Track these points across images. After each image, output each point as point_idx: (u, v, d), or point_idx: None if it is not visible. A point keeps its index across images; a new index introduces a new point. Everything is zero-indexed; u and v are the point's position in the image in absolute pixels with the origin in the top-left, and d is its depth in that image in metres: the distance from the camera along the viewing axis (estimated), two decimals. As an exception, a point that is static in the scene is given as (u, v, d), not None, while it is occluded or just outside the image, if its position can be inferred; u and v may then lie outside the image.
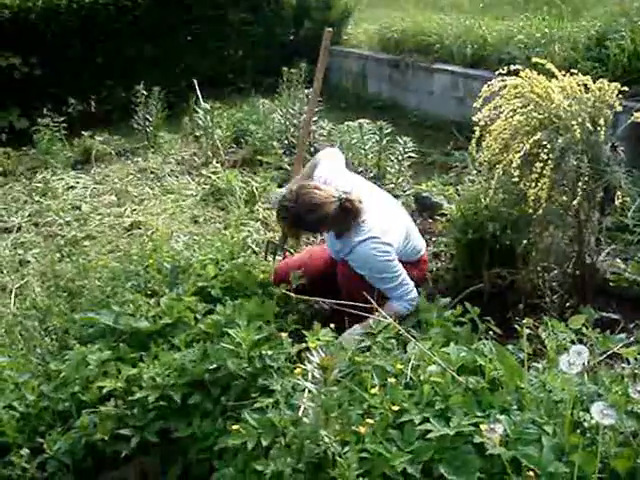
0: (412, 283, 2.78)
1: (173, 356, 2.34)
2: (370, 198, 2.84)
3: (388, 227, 2.76)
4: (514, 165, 2.52)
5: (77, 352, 2.44)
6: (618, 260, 3.51)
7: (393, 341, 2.16)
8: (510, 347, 2.48)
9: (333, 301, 2.67)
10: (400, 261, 2.79)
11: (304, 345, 2.08)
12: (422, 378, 1.89)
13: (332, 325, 2.19)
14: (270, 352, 2.09)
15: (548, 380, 1.78)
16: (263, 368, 2.09)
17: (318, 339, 2.11)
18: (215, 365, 2.22)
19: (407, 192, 4.31)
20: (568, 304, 3.13)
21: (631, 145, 3.97)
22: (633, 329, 3.02)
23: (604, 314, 3.03)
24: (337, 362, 1.67)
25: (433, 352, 1.98)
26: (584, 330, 2.27)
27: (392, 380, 1.86)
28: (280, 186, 4.53)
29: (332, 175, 2.92)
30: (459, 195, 4.17)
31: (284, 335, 2.13)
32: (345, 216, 2.69)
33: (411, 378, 1.90)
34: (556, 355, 2.02)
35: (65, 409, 2.29)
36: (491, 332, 2.48)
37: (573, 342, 2.13)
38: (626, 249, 3.69)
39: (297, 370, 1.89)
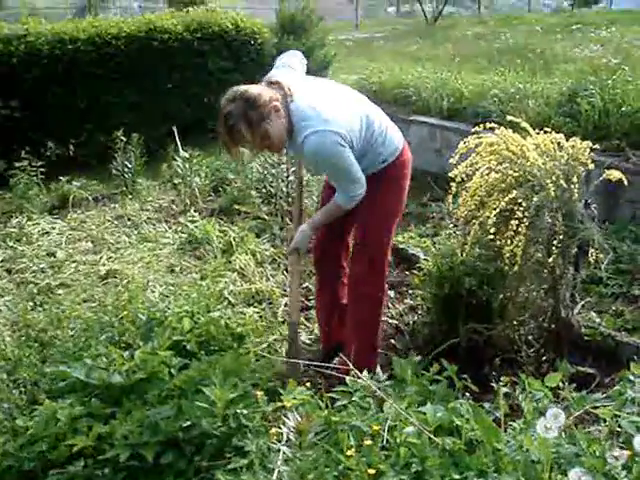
0: (362, 179, 2.73)
1: (146, 413, 2.29)
2: (314, 90, 2.77)
3: (332, 117, 2.60)
4: (490, 222, 2.56)
5: (46, 408, 2.38)
6: (593, 313, 3.56)
7: (369, 400, 2.14)
8: (487, 405, 2.48)
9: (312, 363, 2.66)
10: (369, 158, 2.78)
11: (279, 404, 2.05)
12: (399, 440, 1.86)
13: (307, 384, 2.16)
14: (245, 411, 2.06)
15: (525, 442, 1.76)
16: (238, 428, 2.06)
17: (294, 398, 2.08)
18: (189, 423, 2.18)
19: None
20: (544, 358, 3.14)
21: (602, 199, 4.07)
22: (608, 384, 3.04)
23: (580, 368, 3.05)
24: (313, 425, 1.64)
25: (409, 413, 1.96)
26: (560, 389, 2.28)
27: (368, 442, 1.83)
28: (258, 236, 4.54)
29: (274, 71, 2.92)
30: (435, 247, 4.22)
31: (259, 393, 2.10)
32: (285, 103, 2.62)
33: (387, 440, 1.88)
34: (533, 415, 2.01)
35: (31, 469, 2.21)
36: (467, 390, 2.48)
37: (550, 401, 2.13)
38: (600, 301, 3.74)
39: (272, 431, 1.86)
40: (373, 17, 39.12)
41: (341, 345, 3.15)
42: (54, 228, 5.12)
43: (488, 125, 2.94)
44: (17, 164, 5.68)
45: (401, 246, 4.36)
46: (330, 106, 2.66)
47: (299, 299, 2.97)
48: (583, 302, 3.54)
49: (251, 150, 2.72)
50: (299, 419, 1.72)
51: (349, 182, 2.72)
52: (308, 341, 3.45)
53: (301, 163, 3.13)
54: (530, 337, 3.19)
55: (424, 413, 2.05)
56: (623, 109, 4.98)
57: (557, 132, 2.97)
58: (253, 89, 2.58)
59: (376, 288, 2.93)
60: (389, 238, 3.00)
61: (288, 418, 1.72)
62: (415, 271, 3.69)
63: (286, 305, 3.69)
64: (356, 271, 2.93)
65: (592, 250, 2.76)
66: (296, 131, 2.63)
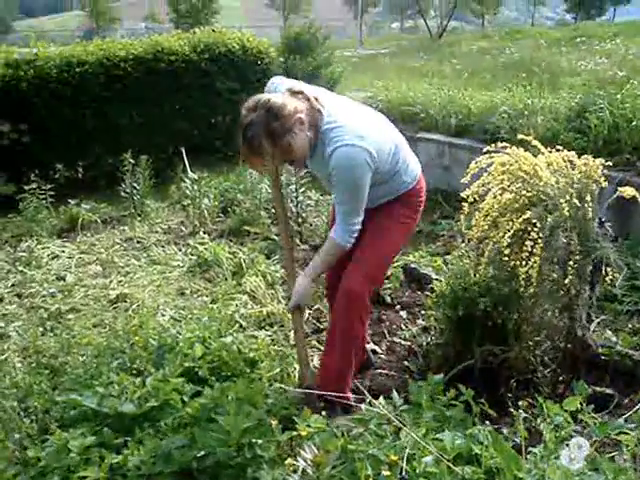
0: (362, 214, 2.59)
1: (159, 442, 2.26)
2: (342, 104, 2.64)
3: (367, 134, 2.48)
4: (504, 244, 2.53)
5: (58, 438, 2.35)
6: (609, 332, 3.51)
7: (386, 427, 2.10)
8: (505, 431, 2.44)
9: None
10: (392, 184, 2.71)
11: (295, 433, 2.02)
12: (417, 470, 1.82)
13: (323, 412, 2.13)
14: (260, 441, 2.02)
15: (549, 473, 1.72)
16: (253, 458, 2.02)
17: (309, 426, 2.05)
18: (203, 452, 2.14)
19: (395, 263, 4.29)
20: (561, 378, 3.10)
21: (615, 214, 4.03)
22: (628, 405, 2.99)
23: (598, 389, 3.00)
24: (330, 458, 1.61)
25: (427, 441, 1.92)
26: (580, 414, 2.24)
27: (387, 473, 1.80)
28: (268, 257, 4.51)
29: (284, 80, 2.82)
30: (447, 265, 4.19)
31: (274, 422, 2.07)
32: (311, 113, 2.49)
33: (406, 470, 1.84)
34: (553, 441, 1.96)
35: (43, 502, 2.19)
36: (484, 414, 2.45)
37: (570, 426, 2.08)
38: (616, 319, 3.69)
39: (288, 461, 1.82)
40: (377, 33, 39.41)
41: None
42: (63, 251, 5.12)
43: (499, 145, 2.91)
44: (26, 187, 5.70)
45: (412, 265, 4.32)
46: (364, 123, 2.55)
47: (307, 360, 2.84)
48: (598, 320, 3.50)
49: (270, 163, 2.53)
50: (316, 451, 1.68)
51: (354, 209, 2.58)
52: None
53: (281, 198, 2.87)
54: (546, 358, 3.14)
55: (442, 440, 2.02)
56: (633, 123, 4.95)
57: (567, 148, 2.94)
58: (277, 98, 2.44)
59: (362, 304, 2.77)
60: (391, 260, 2.99)
61: (305, 450, 1.68)
62: (427, 291, 3.66)
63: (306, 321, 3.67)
64: (348, 284, 2.74)
65: (608, 269, 2.71)
66: (324, 143, 2.49)
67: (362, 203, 2.58)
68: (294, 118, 2.42)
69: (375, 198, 2.75)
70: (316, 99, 2.54)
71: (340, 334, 2.78)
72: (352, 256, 2.77)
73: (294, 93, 2.53)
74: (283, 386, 2.53)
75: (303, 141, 2.47)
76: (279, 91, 2.65)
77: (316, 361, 3.29)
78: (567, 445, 1.57)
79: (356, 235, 2.62)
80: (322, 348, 3.48)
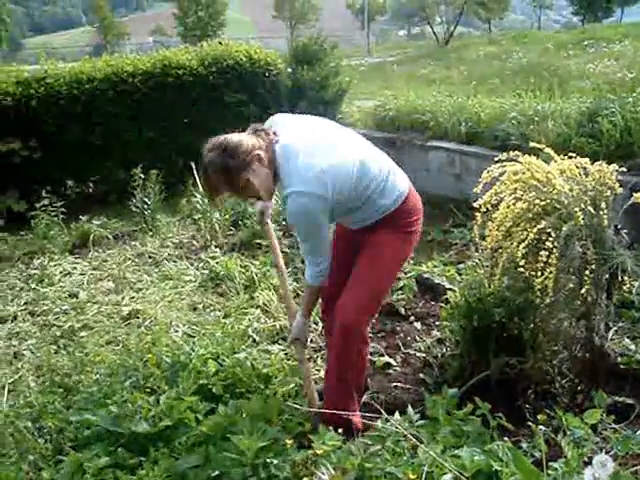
0: (325, 257, 2.61)
1: (173, 462, 2.25)
2: (304, 133, 2.59)
3: (316, 174, 2.42)
4: (519, 254, 2.49)
5: (72, 459, 2.34)
6: (627, 340, 3.45)
7: (403, 444, 2.07)
8: (524, 446, 2.40)
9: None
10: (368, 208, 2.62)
11: (310, 452, 1.99)
12: (436, 489, 1.79)
13: (340, 430, 2.10)
14: (275, 461, 2.00)
15: (571, 492, 1.68)
16: (268, 478, 2.00)
17: (324, 443, 2.03)
18: (217, 472, 2.12)
19: (408, 274, 4.26)
20: (579, 388, 3.05)
21: (629, 220, 3.98)
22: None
23: (617, 399, 2.95)
24: (348, 478, 1.58)
25: (446, 458, 1.89)
26: (600, 425, 2.21)
27: (405, 492, 1.77)
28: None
29: (282, 117, 2.78)
30: (460, 275, 4.15)
31: (289, 442, 2.04)
32: (265, 147, 2.49)
33: (425, 488, 1.81)
34: (575, 458, 1.93)
35: (58, 525, 2.17)
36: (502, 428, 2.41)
37: (592, 441, 2.04)
38: (633, 327, 3.64)
39: (304, 480, 1.80)
40: (384, 41, 39.50)
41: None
42: (75, 268, 5.13)
43: (511, 153, 2.88)
44: (38, 204, 5.73)
45: (425, 275, 4.29)
46: (316, 160, 2.45)
47: (314, 394, 2.78)
48: (616, 328, 3.44)
49: (237, 199, 2.64)
50: (332, 472, 1.65)
51: (315, 249, 2.59)
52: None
53: (278, 251, 3.11)
54: (564, 367, 3.09)
55: (459, 456, 1.99)
56: (646, 127, 4.90)
57: (578, 153, 2.91)
58: (233, 138, 2.49)
59: (359, 337, 2.72)
60: (386, 288, 2.90)
61: (322, 472, 1.66)
62: (441, 302, 3.62)
63: (311, 341, 3.64)
64: (342, 318, 2.67)
65: (626, 278, 2.67)
66: (281, 179, 2.50)
67: (323, 243, 2.60)
68: (251, 155, 2.44)
69: (357, 221, 2.72)
70: (274, 134, 2.55)
71: (338, 369, 2.72)
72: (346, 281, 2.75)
73: (256, 131, 2.56)
74: (296, 405, 2.49)
75: (263, 177, 2.49)
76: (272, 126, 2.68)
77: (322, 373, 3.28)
78: (590, 462, 1.53)
79: (324, 274, 2.65)
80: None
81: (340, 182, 2.48)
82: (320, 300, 2.98)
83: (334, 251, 2.72)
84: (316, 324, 3.79)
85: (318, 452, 1.96)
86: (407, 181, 2.75)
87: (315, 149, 2.51)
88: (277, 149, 2.51)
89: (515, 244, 2.60)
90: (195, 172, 6.06)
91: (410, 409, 2.39)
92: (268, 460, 2.03)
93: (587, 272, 2.52)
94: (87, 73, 7.05)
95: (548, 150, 2.90)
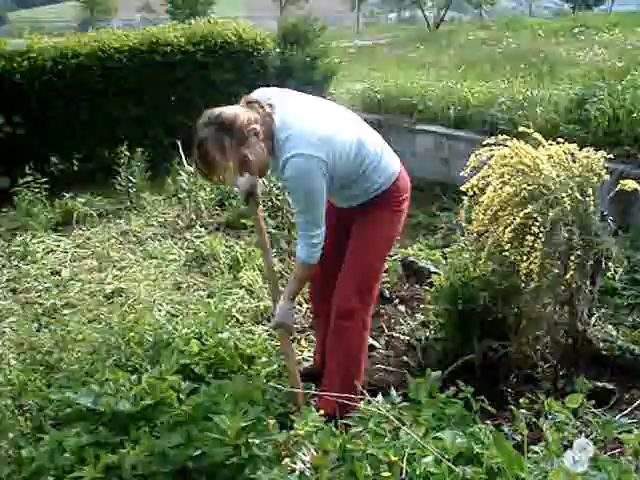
0: (322, 227, 2.51)
1: (155, 441, 2.23)
2: (302, 106, 2.55)
3: (320, 140, 2.39)
4: (505, 239, 2.49)
5: (52, 437, 2.32)
6: (609, 326, 3.48)
7: (385, 426, 2.07)
8: (506, 429, 2.41)
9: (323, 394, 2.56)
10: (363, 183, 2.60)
11: (292, 433, 1.98)
12: (418, 471, 1.79)
13: (321, 411, 2.09)
14: (257, 441, 1.99)
15: (551, 477, 1.69)
16: (250, 458, 1.99)
17: (307, 424, 2.02)
18: (199, 452, 2.11)
19: (393, 257, 4.26)
20: (561, 373, 3.07)
21: (614, 207, 4.00)
22: (628, 400, 2.97)
23: (598, 384, 2.98)
24: (329, 460, 1.58)
25: (427, 441, 1.89)
26: (582, 409, 2.22)
27: (386, 474, 1.76)
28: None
29: (264, 90, 2.70)
30: (445, 258, 4.15)
31: (271, 422, 2.03)
32: (266, 122, 2.43)
33: (406, 471, 1.81)
34: (555, 441, 1.93)
35: (37, 503, 2.15)
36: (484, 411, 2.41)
37: (573, 426, 2.06)
38: (616, 313, 3.67)
39: (285, 461, 1.79)
40: (374, 23, 39.24)
41: None
42: (59, 246, 5.07)
43: (499, 137, 2.87)
44: (21, 180, 5.65)
45: (411, 258, 4.29)
46: (318, 127, 2.44)
47: (299, 380, 2.72)
48: (599, 314, 3.47)
49: (229, 175, 2.46)
50: (314, 453, 1.64)
51: (311, 220, 2.50)
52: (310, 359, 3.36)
53: (269, 251, 2.93)
54: (546, 352, 3.12)
55: (442, 439, 1.99)
56: (634, 115, 4.91)
57: (566, 139, 2.91)
58: (228, 111, 2.39)
59: (360, 322, 2.72)
60: (380, 267, 2.82)
61: (302, 452, 1.65)
62: (426, 285, 3.63)
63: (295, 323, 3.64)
64: (339, 302, 2.70)
65: (610, 264, 2.68)
66: (279, 149, 2.44)
67: (319, 212, 2.49)
68: (247, 129, 2.37)
69: (348, 198, 2.71)
70: (270, 106, 2.48)
71: (339, 356, 2.72)
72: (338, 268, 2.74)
73: (249, 103, 2.48)
74: (279, 386, 2.48)
75: (259, 151, 2.42)
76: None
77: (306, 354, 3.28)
78: (570, 446, 1.54)
79: (319, 249, 2.54)
80: (310, 346, 3.44)
81: (339, 152, 2.46)
82: (309, 285, 2.96)
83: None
84: (300, 305, 3.79)
85: (300, 433, 1.95)
86: (398, 161, 2.75)
87: (317, 117, 2.49)
88: (276, 120, 2.45)
89: (501, 228, 2.60)
90: (181, 150, 6.01)
91: (393, 391, 2.39)
92: (250, 440, 2.02)
93: (572, 258, 2.53)
94: (72, 48, 6.92)
95: (536, 135, 2.90)
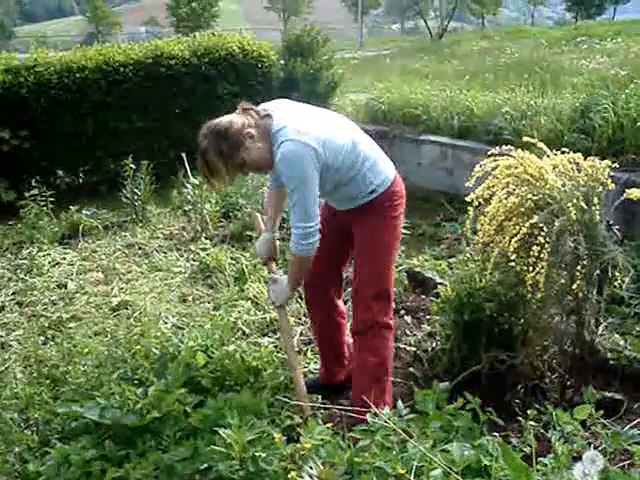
0: (317, 219, 2.58)
1: (161, 455, 2.22)
2: (299, 111, 2.68)
3: (309, 130, 2.51)
4: (511, 249, 2.48)
5: (58, 451, 2.31)
6: (617, 335, 3.46)
7: (393, 438, 2.06)
8: (514, 441, 2.40)
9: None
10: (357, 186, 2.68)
11: (299, 446, 1.97)
12: (426, 485, 1.78)
13: (329, 424, 2.08)
14: (264, 454, 1.98)
15: (561, 487, 1.68)
16: (256, 472, 1.98)
17: (313, 437, 2.01)
18: (206, 465, 2.10)
19: (399, 267, 4.25)
20: (569, 384, 3.05)
21: (620, 215, 3.99)
22: (637, 410, 2.94)
23: (607, 394, 2.96)
24: (336, 473, 1.56)
25: (435, 453, 1.88)
26: (590, 420, 2.20)
27: (394, 487, 1.75)
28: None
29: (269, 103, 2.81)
30: (451, 269, 4.14)
31: (277, 436, 2.02)
32: (262, 124, 2.56)
33: (414, 483, 1.79)
34: (565, 453, 1.92)
35: (44, 517, 2.15)
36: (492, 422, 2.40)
37: (582, 437, 2.04)
38: (623, 322, 3.65)
39: (292, 474, 1.78)
40: (378, 35, 39.40)
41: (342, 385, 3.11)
42: (65, 258, 5.09)
43: (504, 147, 2.86)
44: (27, 194, 5.67)
45: (416, 269, 4.28)
46: (311, 123, 2.58)
47: (296, 357, 2.81)
48: (606, 324, 3.45)
49: (232, 178, 2.68)
50: (321, 467, 1.63)
51: (306, 208, 2.55)
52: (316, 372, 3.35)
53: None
54: (553, 363, 3.10)
55: (449, 451, 1.97)
56: (638, 123, 4.91)
57: (571, 149, 2.90)
58: (224, 120, 2.55)
59: (380, 329, 2.77)
60: (390, 272, 2.83)
61: (309, 466, 1.64)
62: (432, 296, 3.62)
63: (301, 334, 3.63)
64: (361, 312, 2.77)
65: (616, 273, 2.67)
66: (275, 144, 2.55)
67: (313, 201, 2.55)
68: (242, 133, 2.52)
69: (345, 199, 2.77)
70: (265, 110, 2.62)
71: (367, 366, 2.76)
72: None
73: (244, 110, 2.62)
74: (286, 399, 2.48)
75: (257, 152, 2.55)
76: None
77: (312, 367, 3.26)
78: (579, 458, 1.53)
79: (314, 242, 2.60)
80: (316, 358, 3.44)
81: (333, 147, 2.56)
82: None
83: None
84: (304, 316, 3.78)
85: (306, 446, 1.94)
86: (393, 168, 2.82)
87: (313, 117, 2.64)
88: (274, 121, 2.56)
89: (507, 238, 2.59)
90: (186, 163, 6.03)
91: (400, 403, 2.38)
92: (256, 454, 2.01)
93: (579, 267, 2.52)
94: (78, 62, 6.98)
95: (541, 145, 2.89)
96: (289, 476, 1.81)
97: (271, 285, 2.85)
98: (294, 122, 2.54)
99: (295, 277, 2.76)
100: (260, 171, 2.78)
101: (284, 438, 2.10)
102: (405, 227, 4.64)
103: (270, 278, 2.90)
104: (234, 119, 2.55)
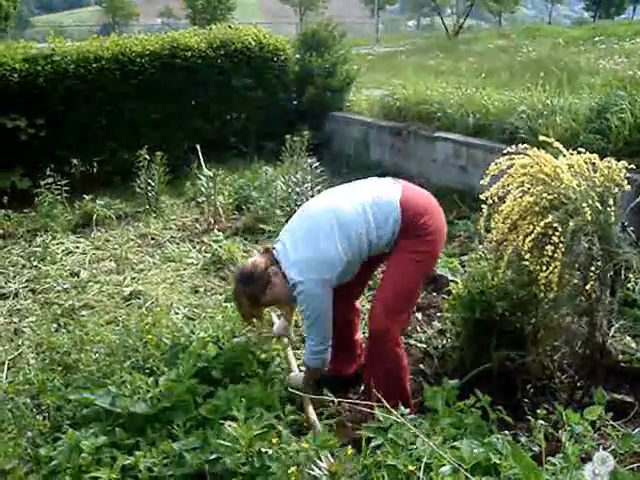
0: (327, 342, 2.78)
1: (171, 444, 2.24)
2: (289, 232, 2.82)
3: (306, 263, 2.67)
4: (525, 248, 2.47)
5: (70, 437, 2.34)
6: (628, 338, 3.45)
7: (405, 435, 2.06)
8: (523, 440, 2.39)
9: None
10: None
11: (305, 446, 1.96)
12: (435, 480, 1.79)
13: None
14: (270, 451, 1.98)
15: (570, 487, 1.68)
16: (261, 467, 1.99)
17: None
18: (215, 456, 2.12)
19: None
20: (579, 384, 3.04)
21: (634, 216, 3.95)
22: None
23: (617, 396, 2.95)
24: (347, 468, 1.57)
25: (445, 450, 1.88)
26: (599, 421, 2.20)
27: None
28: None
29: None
30: (463, 267, 4.13)
31: (284, 432, 2.03)
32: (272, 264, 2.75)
33: (423, 480, 1.80)
34: (574, 454, 1.92)
35: (55, 501, 2.17)
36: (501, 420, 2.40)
37: (591, 438, 2.04)
38: (635, 325, 3.63)
39: (292, 470, 1.78)
40: (393, 31, 39.27)
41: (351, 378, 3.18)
42: (78, 247, 5.12)
43: (520, 146, 2.85)
44: (42, 182, 5.71)
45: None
46: (300, 247, 2.70)
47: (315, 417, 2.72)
48: (617, 325, 3.43)
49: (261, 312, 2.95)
50: (331, 460, 1.64)
51: (318, 332, 2.75)
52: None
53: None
54: (564, 363, 3.09)
55: (459, 448, 1.98)
56: (656, 125, 4.86)
57: (587, 149, 2.87)
58: (247, 265, 2.78)
59: (388, 342, 2.79)
60: (409, 296, 2.89)
61: (320, 460, 1.65)
62: (444, 293, 3.61)
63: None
64: (371, 325, 2.83)
65: (630, 276, 2.65)
66: (289, 284, 2.70)
67: (326, 328, 2.75)
68: (266, 274, 2.71)
69: (378, 251, 2.83)
70: (274, 248, 2.79)
71: (379, 376, 2.79)
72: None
73: (267, 249, 2.81)
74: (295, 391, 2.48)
75: (282, 287, 2.73)
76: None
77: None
78: (588, 458, 1.53)
79: (325, 358, 2.80)
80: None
81: (329, 263, 2.68)
82: None
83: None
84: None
85: (305, 446, 1.94)
86: (397, 190, 2.80)
87: (297, 243, 2.73)
88: (280, 257, 2.75)
89: (521, 237, 2.58)
90: (200, 154, 6.05)
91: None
92: (263, 450, 2.02)
93: (592, 268, 2.50)
94: (94, 52, 7.01)
95: (557, 144, 2.88)
96: (289, 471, 1.82)
97: (289, 374, 2.98)
98: (292, 257, 2.69)
99: (307, 379, 2.88)
100: (286, 303, 2.94)
101: (289, 432, 2.11)
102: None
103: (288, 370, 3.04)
104: (257, 261, 2.75)
